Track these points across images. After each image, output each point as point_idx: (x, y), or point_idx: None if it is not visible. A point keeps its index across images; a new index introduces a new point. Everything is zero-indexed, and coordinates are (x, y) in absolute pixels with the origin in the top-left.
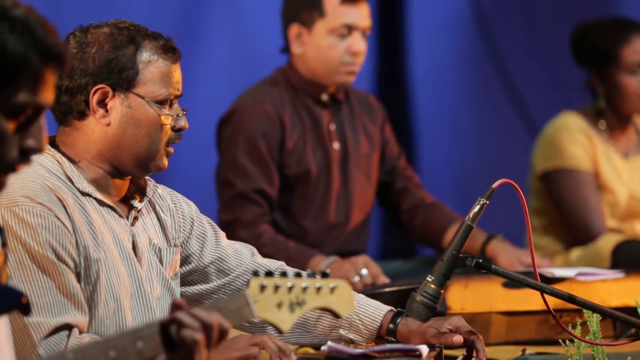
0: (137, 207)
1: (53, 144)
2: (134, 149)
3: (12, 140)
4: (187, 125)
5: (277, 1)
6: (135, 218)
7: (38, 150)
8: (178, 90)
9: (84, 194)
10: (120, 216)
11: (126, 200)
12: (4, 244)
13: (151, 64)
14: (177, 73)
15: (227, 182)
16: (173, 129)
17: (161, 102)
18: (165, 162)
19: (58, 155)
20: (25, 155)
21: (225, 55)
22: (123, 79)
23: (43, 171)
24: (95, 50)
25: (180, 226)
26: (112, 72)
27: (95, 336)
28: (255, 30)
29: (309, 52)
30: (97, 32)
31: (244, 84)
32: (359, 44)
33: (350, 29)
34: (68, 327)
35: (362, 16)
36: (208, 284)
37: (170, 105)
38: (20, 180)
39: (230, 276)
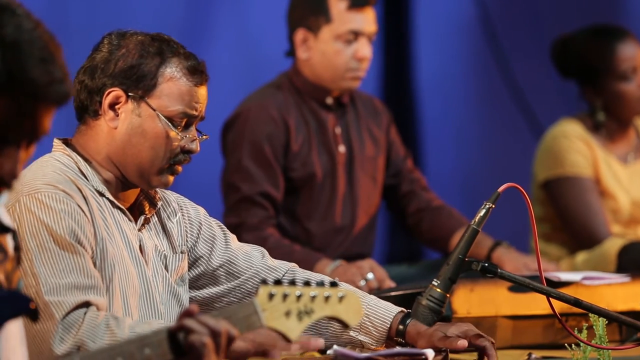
0: (146, 214)
1: (68, 144)
2: (137, 158)
3: None
4: (198, 150)
5: (281, 6)
6: (143, 225)
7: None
8: (196, 110)
9: (98, 193)
10: (130, 220)
11: (134, 207)
12: (17, 248)
13: (172, 81)
14: (198, 95)
15: (233, 185)
16: (182, 149)
17: (172, 118)
18: (170, 179)
19: (74, 154)
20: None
21: (230, 60)
22: (139, 87)
23: (61, 165)
24: (121, 54)
25: (187, 232)
26: (130, 78)
27: (114, 314)
28: (260, 34)
29: (315, 58)
30: (131, 39)
31: (248, 88)
32: (365, 49)
33: (356, 34)
34: (87, 304)
35: (368, 22)
36: (218, 287)
37: (187, 126)
38: (41, 171)
39: (240, 279)
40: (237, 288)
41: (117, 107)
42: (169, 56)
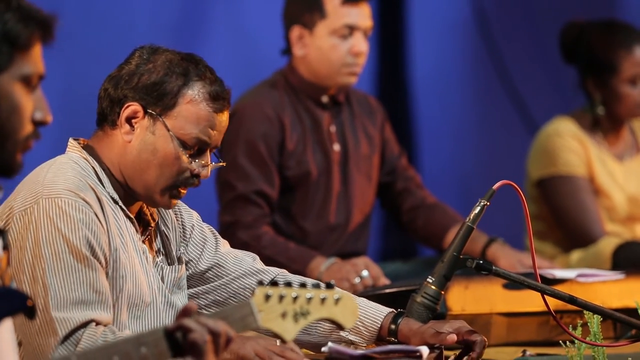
0: (151, 226)
1: (84, 146)
2: (144, 174)
3: (28, 116)
4: (208, 176)
5: (278, 4)
6: (147, 236)
7: (46, 122)
8: (210, 138)
9: (113, 200)
10: (137, 231)
11: (138, 218)
12: (6, 247)
13: (192, 104)
14: (216, 121)
15: (228, 183)
16: (192, 173)
17: (185, 141)
18: (173, 202)
19: (91, 158)
20: (35, 130)
21: (226, 58)
22: (158, 105)
23: (80, 169)
24: (147, 69)
25: (180, 237)
26: (151, 94)
27: (112, 327)
28: (256, 33)
29: (311, 54)
30: (161, 56)
31: (244, 87)
32: (361, 44)
33: (351, 29)
34: (91, 322)
35: (363, 16)
36: (205, 286)
37: (200, 152)
38: (62, 174)
39: (226, 278)
40: (223, 287)
41: (133, 121)
42: (195, 79)
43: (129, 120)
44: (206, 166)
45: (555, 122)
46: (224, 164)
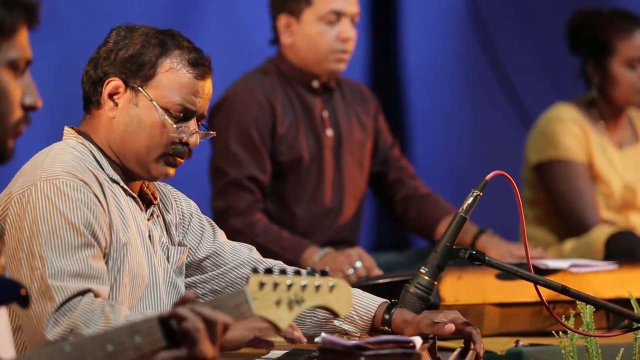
0: (154, 203)
1: (80, 132)
2: (134, 147)
3: (17, 101)
4: (197, 143)
5: None
6: (151, 214)
7: (36, 107)
8: (194, 105)
9: (112, 180)
10: (141, 209)
11: (141, 197)
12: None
13: (171, 72)
14: (198, 88)
15: (220, 170)
16: (180, 140)
17: (169, 109)
18: (170, 171)
19: (87, 142)
20: (25, 115)
21: (219, 48)
22: (138, 76)
23: (78, 154)
24: (124, 44)
25: (179, 223)
26: (130, 67)
27: (110, 302)
28: (249, 22)
29: (299, 42)
30: (138, 32)
31: (238, 77)
32: (349, 30)
33: (338, 15)
34: (88, 292)
35: (349, 2)
36: (202, 275)
37: (186, 119)
38: (60, 158)
39: (224, 267)
40: (221, 276)
41: (116, 97)
42: (171, 48)
43: (111, 96)
44: (194, 133)
45: (556, 108)
46: (214, 133)
